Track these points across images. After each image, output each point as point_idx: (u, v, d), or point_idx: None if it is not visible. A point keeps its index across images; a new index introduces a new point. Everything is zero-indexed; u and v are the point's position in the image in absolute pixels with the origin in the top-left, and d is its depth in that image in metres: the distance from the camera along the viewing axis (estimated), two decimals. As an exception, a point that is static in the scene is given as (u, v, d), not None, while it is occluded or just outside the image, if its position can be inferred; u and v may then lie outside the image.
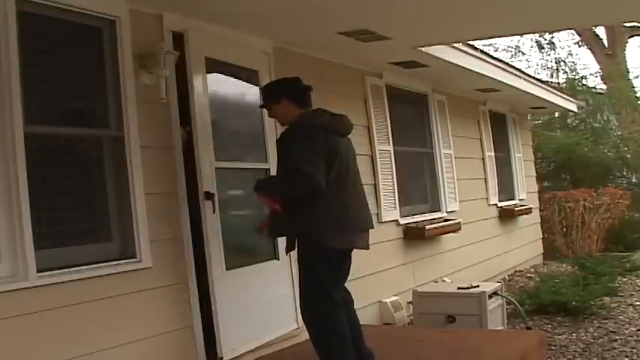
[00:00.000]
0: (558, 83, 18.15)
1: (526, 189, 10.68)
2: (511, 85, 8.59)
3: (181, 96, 4.24)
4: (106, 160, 3.84)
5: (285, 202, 3.73)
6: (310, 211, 3.66)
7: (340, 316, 3.75)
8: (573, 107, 12.27)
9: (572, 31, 18.16)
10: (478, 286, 5.80)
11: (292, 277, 4.90)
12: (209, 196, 4.13)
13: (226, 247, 4.31)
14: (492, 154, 9.40)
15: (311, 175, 3.56)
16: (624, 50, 18.29)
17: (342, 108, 6.02)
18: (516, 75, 8.90)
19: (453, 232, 7.44)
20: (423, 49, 6.06)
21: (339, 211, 3.70)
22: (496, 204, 9.35)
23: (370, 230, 3.99)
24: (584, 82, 18.09)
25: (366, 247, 3.94)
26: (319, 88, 5.51)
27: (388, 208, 6.48)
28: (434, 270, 7.12)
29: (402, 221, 6.72)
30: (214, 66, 4.44)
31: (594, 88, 17.85)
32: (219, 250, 4.22)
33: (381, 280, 6.17)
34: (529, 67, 19.93)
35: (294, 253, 3.99)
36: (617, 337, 5.94)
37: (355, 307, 4.05)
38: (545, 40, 19.86)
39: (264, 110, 4.22)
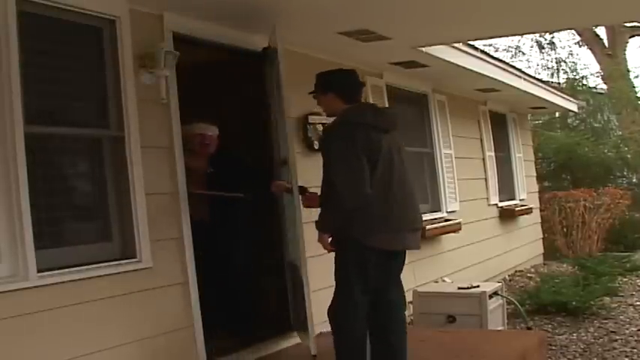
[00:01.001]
0: (559, 83, 18.16)
1: (526, 189, 10.67)
2: (511, 85, 8.59)
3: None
4: (106, 160, 3.83)
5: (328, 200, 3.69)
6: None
7: (357, 318, 3.65)
8: (574, 107, 12.27)
9: (573, 31, 18.16)
10: (478, 286, 5.80)
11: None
12: (302, 190, 4.18)
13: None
14: (493, 154, 9.39)
15: (355, 196, 3.51)
16: (624, 50, 18.30)
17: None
18: (516, 75, 8.90)
19: (454, 232, 7.44)
20: (423, 49, 6.06)
21: (383, 211, 3.59)
22: (496, 204, 9.34)
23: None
24: (584, 82, 18.11)
25: (416, 247, 3.84)
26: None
27: (388, 208, 6.46)
28: (434, 270, 7.12)
29: (403, 221, 6.70)
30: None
31: (595, 88, 17.87)
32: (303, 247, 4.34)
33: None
34: (529, 67, 19.97)
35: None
36: (618, 337, 5.93)
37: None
38: (545, 40, 19.88)
39: (275, 106, 4.17)
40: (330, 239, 3.72)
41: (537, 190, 11.65)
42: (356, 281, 3.63)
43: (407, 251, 3.89)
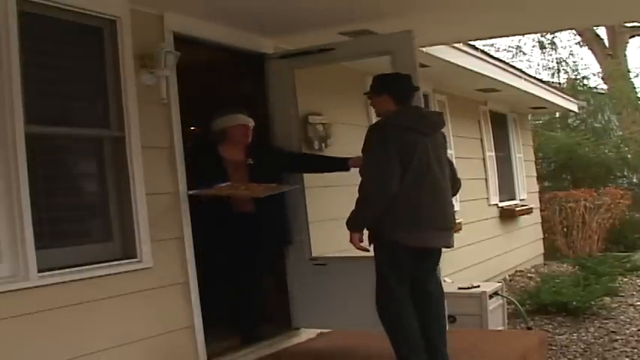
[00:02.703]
0: (559, 83, 18.18)
1: (527, 189, 10.68)
2: (512, 85, 8.60)
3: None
4: (106, 160, 3.83)
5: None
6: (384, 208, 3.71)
7: (403, 312, 3.79)
8: (574, 107, 12.28)
9: (573, 31, 18.16)
10: (479, 286, 5.81)
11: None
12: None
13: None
14: (493, 154, 9.40)
15: (380, 194, 3.67)
16: (625, 50, 18.31)
17: (343, 108, 6.02)
18: (517, 75, 8.91)
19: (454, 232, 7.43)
20: (423, 49, 6.05)
21: (412, 209, 3.71)
22: (497, 204, 9.35)
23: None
24: (585, 82, 18.13)
25: (447, 246, 3.96)
26: (320, 89, 5.54)
27: (389, 208, 6.47)
28: (434, 270, 7.11)
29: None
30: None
31: (595, 88, 17.89)
32: None
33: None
34: (530, 67, 19.98)
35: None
36: (618, 337, 5.94)
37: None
38: (546, 40, 19.89)
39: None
40: (362, 237, 3.84)
41: (537, 190, 11.65)
42: (390, 274, 3.80)
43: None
